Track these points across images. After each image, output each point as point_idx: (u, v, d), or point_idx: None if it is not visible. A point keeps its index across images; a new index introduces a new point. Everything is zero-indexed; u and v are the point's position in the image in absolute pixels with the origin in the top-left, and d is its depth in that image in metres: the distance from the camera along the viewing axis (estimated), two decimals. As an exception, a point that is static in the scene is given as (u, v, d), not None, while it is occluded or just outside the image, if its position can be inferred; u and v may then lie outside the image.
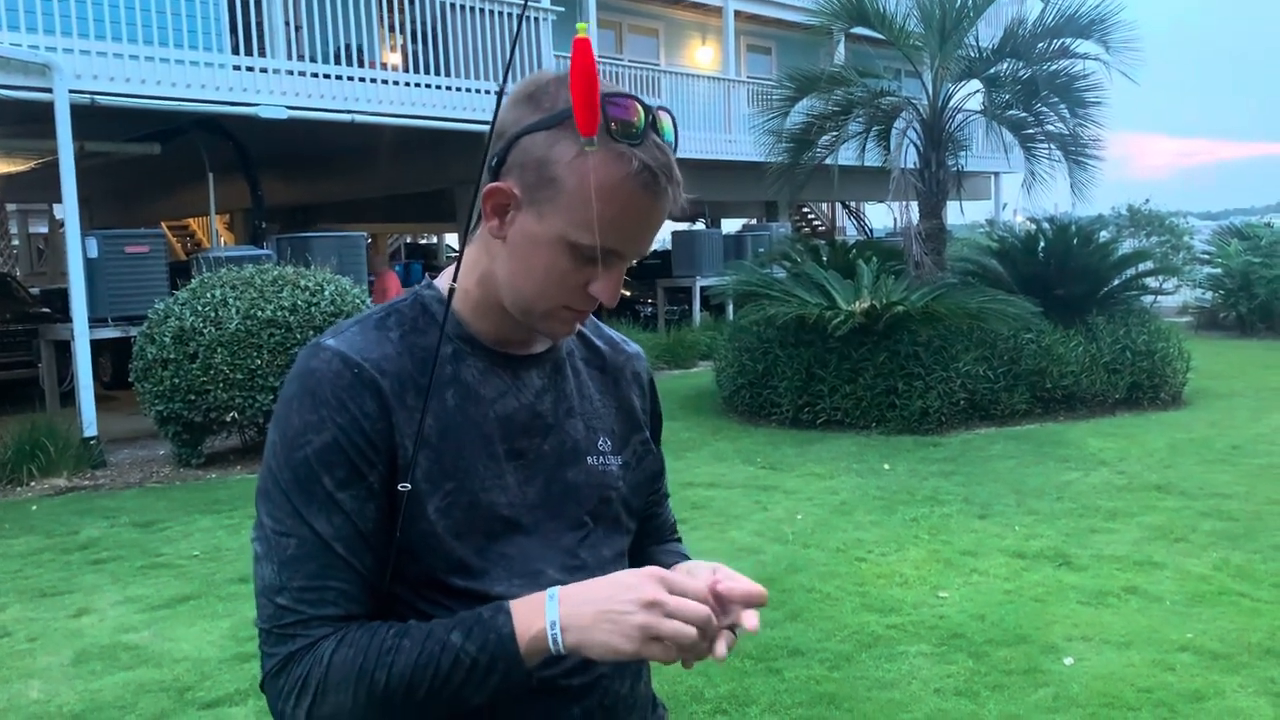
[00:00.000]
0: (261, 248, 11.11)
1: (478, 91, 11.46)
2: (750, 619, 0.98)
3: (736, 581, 1.01)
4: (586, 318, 1.10)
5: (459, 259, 1.11)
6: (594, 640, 0.94)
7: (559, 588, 0.98)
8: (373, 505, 1.03)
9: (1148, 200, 19.67)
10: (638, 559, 1.24)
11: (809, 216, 24.94)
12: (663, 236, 24.02)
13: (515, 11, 12.07)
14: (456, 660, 0.96)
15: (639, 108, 1.00)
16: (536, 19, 12.30)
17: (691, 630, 0.93)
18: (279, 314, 7.86)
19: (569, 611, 0.95)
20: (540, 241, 1.04)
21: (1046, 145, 10.62)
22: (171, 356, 7.78)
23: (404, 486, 1.02)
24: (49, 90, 8.43)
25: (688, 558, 1.25)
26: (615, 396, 1.23)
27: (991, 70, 10.61)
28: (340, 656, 0.98)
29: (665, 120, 1.04)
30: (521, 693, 1.06)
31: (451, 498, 1.05)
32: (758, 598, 1.00)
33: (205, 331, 7.76)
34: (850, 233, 25.07)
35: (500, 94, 1.03)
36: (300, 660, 0.99)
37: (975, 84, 10.87)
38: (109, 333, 9.33)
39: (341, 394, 1.03)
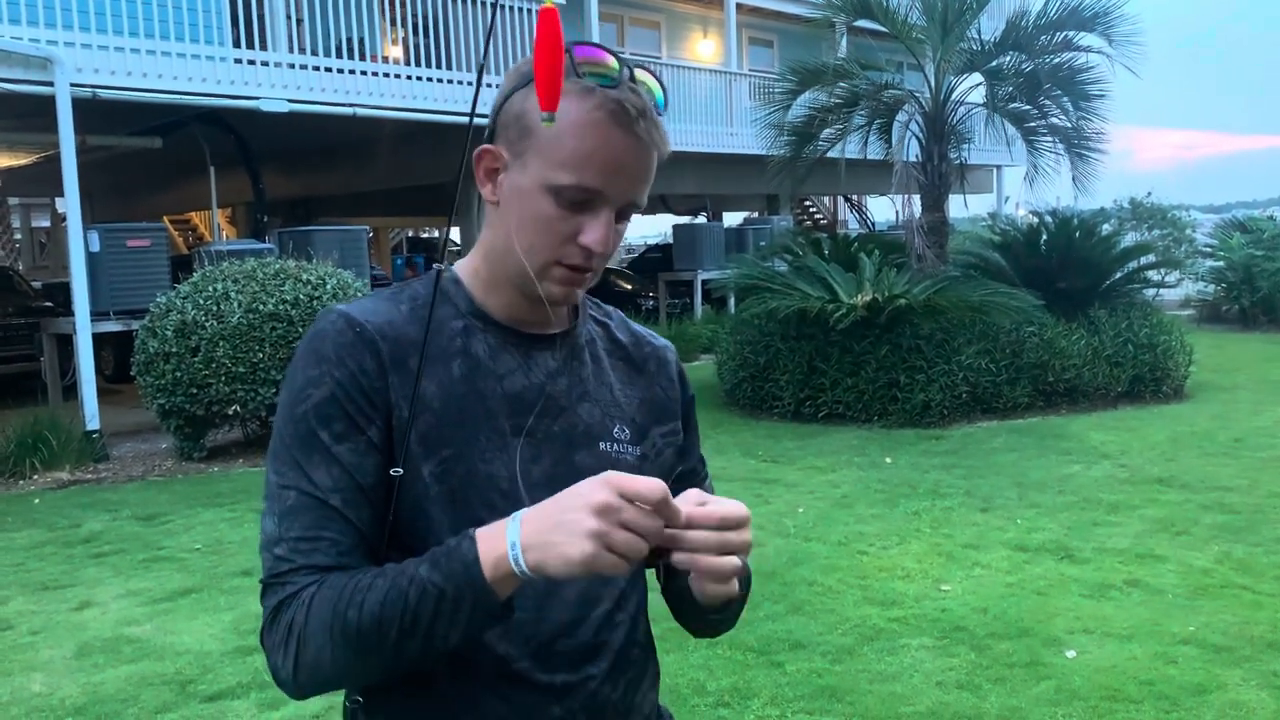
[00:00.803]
0: (263, 241, 11.12)
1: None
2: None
3: (711, 509, 0.95)
4: (584, 279, 1.08)
5: (443, 244, 1.11)
6: (550, 555, 0.90)
7: (525, 509, 0.95)
8: (371, 460, 1.03)
9: (1150, 193, 19.67)
10: (675, 580, 1.19)
11: (811, 210, 24.92)
12: (664, 230, 24.07)
13: (515, 4, 12.05)
14: (424, 592, 0.94)
15: (612, 57, 1.02)
16: (536, 11, 12.28)
17: (645, 546, 0.90)
18: (281, 307, 7.87)
19: (529, 530, 0.92)
20: (526, 191, 1.05)
21: (1049, 138, 10.61)
22: (173, 350, 7.79)
23: (396, 471, 1.03)
24: (50, 84, 8.43)
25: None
26: (639, 387, 1.21)
27: (994, 63, 10.58)
28: (319, 598, 0.97)
29: (646, 77, 1.05)
30: (504, 684, 1.05)
31: (447, 464, 1.05)
32: (734, 521, 0.95)
33: (207, 325, 7.76)
34: (852, 226, 25.05)
35: (478, 81, 1.05)
36: (287, 608, 0.99)
37: (977, 77, 10.86)
38: (111, 326, 9.33)
39: (342, 351, 1.05)
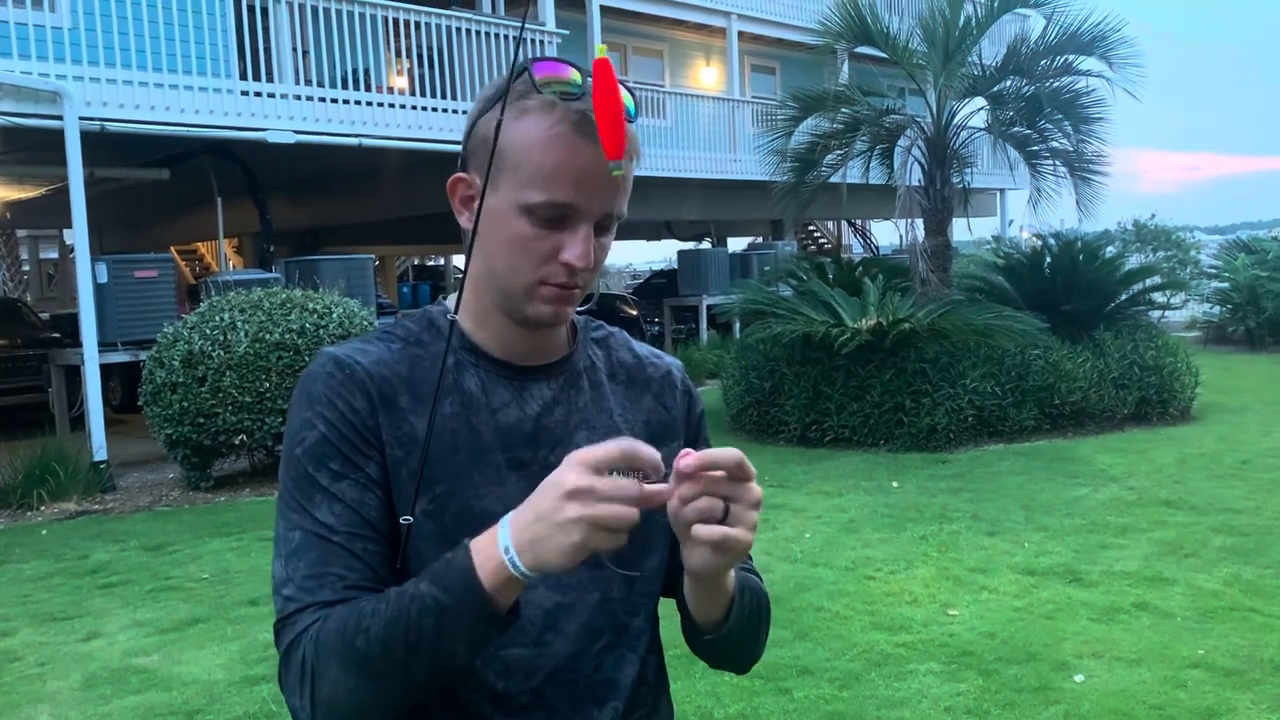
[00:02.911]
0: (269, 271, 11.17)
1: (483, 114, 11.51)
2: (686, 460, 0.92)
3: (706, 454, 0.93)
4: (572, 297, 1.06)
5: (463, 278, 1.10)
6: (545, 551, 0.89)
7: (511, 512, 0.92)
8: (372, 495, 1.03)
9: (1154, 215, 19.71)
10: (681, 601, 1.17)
11: (815, 234, 24.98)
12: (669, 255, 24.15)
13: (529, 36, 12.16)
14: (424, 608, 0.92)
15: (573, 70, 1.01)
16: (541, 41, 12.40)
17: (631, 511, 0.88)
18: (287, 337, 7.90)
19: (518, 532, 0.90)
20: (501, 214, 1.03)
21: (1051, 161, 10.65)
22: (180, 380, 7.82)
23: (405, 520, 1.02)
24: (59, 117, 8.51)
25: (756, 576, 1.17)
26: (643, 409, 1.19)
27: (995, 88, 10.65)
28: (326, 631, 0.96)
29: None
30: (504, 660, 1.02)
31: (441, 501, 1.04)
32: (728, 464, 0.93)
33: (214, 355, 7.79)
34: (856, 250, 25.09)
35: (499, 124, 1.02)
36: (298, 646, 0.98)
37: (979, 101, 10.92)
38: (118, 357, 9.37)
39: (331, 392, 1.05)
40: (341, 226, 16.78)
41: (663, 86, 17.45)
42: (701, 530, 0.93)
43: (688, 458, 0.92)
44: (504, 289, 1.06)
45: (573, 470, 0.88)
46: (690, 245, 19.80)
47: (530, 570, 0.90)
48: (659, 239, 22.39)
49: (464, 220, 1.08)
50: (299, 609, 0.99)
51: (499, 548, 0.91)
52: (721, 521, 0.93)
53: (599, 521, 0.87)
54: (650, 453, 0.90)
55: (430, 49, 11.59)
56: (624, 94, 1.02)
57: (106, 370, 9.31)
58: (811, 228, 24.49)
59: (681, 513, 0.93)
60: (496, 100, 1.02)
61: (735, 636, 1.11)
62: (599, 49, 0.94)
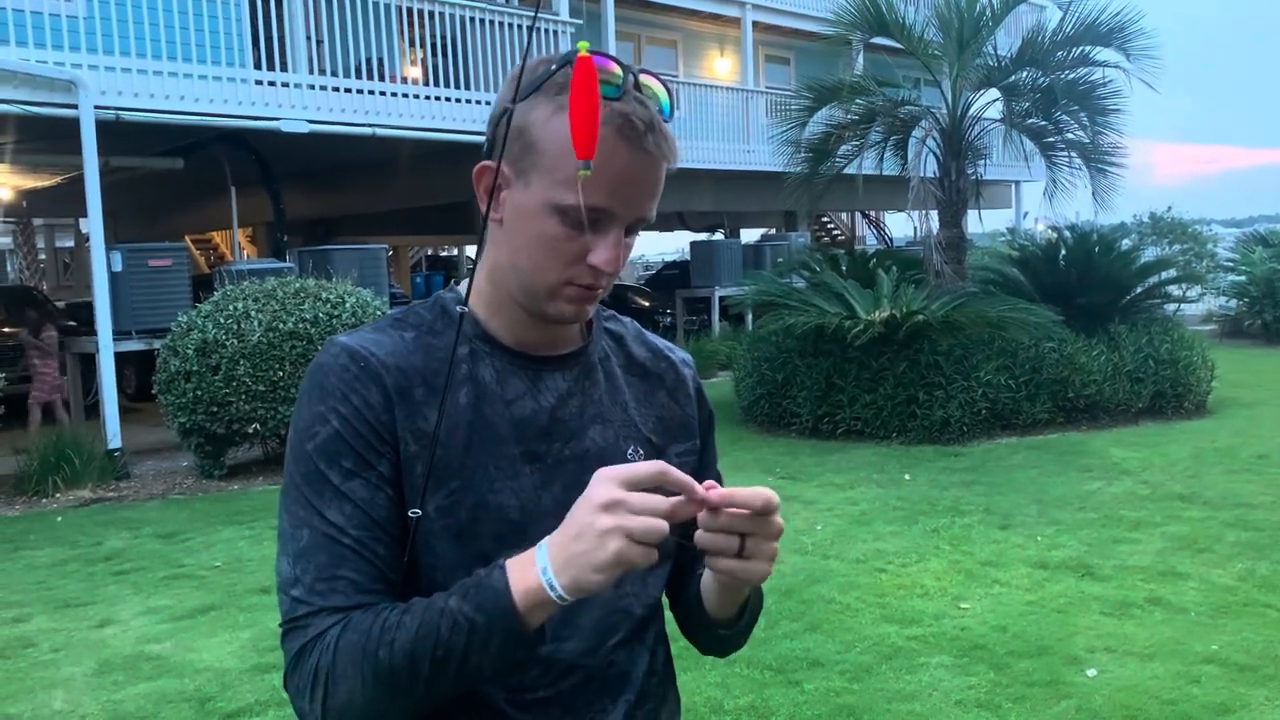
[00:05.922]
0: (283, 260, 11.20)
1: (497, 104, 11.52)
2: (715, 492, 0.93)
3: (734, 491, 0.94)
4: (595, 297, 1.05)
5: (474, 266, 1.09)
6: (582, 568, 0.88)
7: (549, 536, 0.92)
8: (383, 495, 1.00)
9: (1170, 207, 19.58)
10: (688, 590, 1.19)
11: (828, 226, 24.90)
12: (681, 246, 24.14)
13: (543, 26, 12.14)
14: (455, 625, 0.92)
15: (615, 65, 0.98)
16: (555, 31, 12.38)
17: (663, 524, 0.88)
18: (300, 326, 7.92)
19: (555, 552, 0.90)
20: (530, 211, 1.01)
21: (1067, 153, 10.58)
22: (194, 369, 7.85)
23: (414, 513, 1.00)
24: (75, 106, 8.54)
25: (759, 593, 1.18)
26: (655, 405, 1.17)
27: (1010, 79, 10.58)
28: (345, 640, 0.95)
29: (652, 83, 1.01)
30: (525, 662, 1.01)
31: (456, 496, 1.02)
32: (760, 503, 0.94)
33: (228, 344, 7.82)
34: (870, 242, 25.01)
35: (510, 114, 1.00)
36: (311, 651, 0.96)
37: (994, 92, 10.85)
38: (133, 345, 9.42)
39: (345, 386, 1.02)
40: (355, 216, 16.80)
41: (676, 77, 17.39)
42: (717, 563, 0.97)
43: (714, 491, 0.94)
44: (527, 285, 1.05)
45: (603, 484, 0.89)
46: (703, 236, 19.77)
47: (567, 591, 0.90)
48: (671, 230, 22.35)
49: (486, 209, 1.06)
50: (310, 612, 0.98)
51: (536, 568, 0.91)
52: (740, 552, 0.96)
53: (632, 533, 0.87)
54: (682, 477, 0.92)
55: (444, 39, 11.58)
56: (659, 90, 1.02)
57: (121, 358, 9.36)
58: (825, 219, 24.41)
59: (699, 539, 0.95)
60: (531, 89, 1.00)
61: (741, 631, 1.17)
62: (581, 46, 0.92)
